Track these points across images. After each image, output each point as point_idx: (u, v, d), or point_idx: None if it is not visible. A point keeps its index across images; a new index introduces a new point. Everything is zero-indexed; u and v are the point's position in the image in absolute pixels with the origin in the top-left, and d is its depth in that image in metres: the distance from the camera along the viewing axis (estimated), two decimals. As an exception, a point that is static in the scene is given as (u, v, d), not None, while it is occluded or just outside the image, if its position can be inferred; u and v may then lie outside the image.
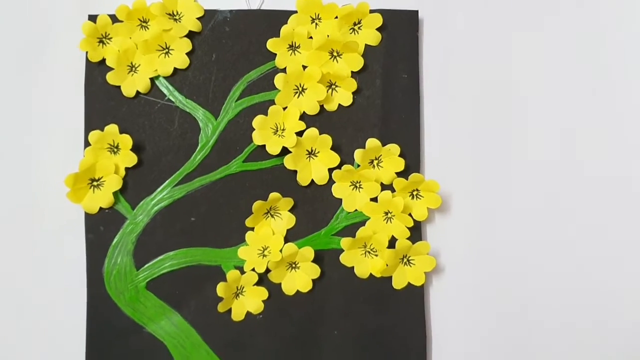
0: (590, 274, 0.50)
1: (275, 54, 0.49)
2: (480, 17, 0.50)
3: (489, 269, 0.49)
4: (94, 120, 0.48)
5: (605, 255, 0.50)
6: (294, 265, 0.48)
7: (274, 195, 0.47)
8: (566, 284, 0.49)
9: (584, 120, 0.50)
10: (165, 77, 0.49)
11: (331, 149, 0.48)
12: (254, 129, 0.48)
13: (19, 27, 0.50)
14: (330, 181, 0.48)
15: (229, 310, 0.47)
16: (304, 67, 0.48)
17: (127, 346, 0.47)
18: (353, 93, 0.49)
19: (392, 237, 0.48)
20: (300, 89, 0.48)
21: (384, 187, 0.48)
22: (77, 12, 0.49)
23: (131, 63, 0.48)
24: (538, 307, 0.49)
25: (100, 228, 0.47)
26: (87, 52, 0.48)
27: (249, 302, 0.47)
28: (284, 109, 0.48)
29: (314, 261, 0.48)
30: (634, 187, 0.50)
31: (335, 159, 0.48)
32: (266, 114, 0.48)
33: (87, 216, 0.47)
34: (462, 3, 0.51)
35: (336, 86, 0.49)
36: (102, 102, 0.48)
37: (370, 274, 0.48)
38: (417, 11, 0.49)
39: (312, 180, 0.48)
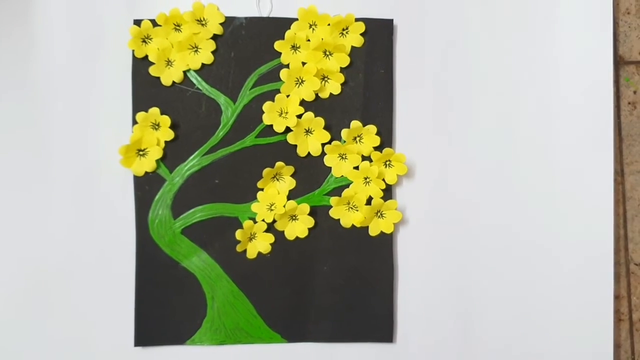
0: (536, 225, 0.58)
1: (281, 53, 0.57)
2: (442, 24, 0.59)
3: (443, 221, 0.59)
4: (139, 104, 0.57)
5: (552, 210, 0.59)
6: (294, 217, 0.57)
7: (279, 163, 0.57)
8: (507, 234, 0.59)
9: (528, 108, 0.59)
10: (194, 70, 0.57)
11: (324, 128, 0.57)
12: (264, 112, 0.56)
13: (80, 29, 0.57)
14: (323, 153, 0.57)
15: (245, 250, 0.57)
16: (304, 63, 0.57)
17: (167, 277, 0.57)
18: (341, 84, 0.57)
19: (370, 196, 0.57)
20: (300, 80, 0.57)
21: (364, 158, 0.57)
22: (125, 18, 0.57)
23: (168, 59, 0.57)
24: (486, 249, 0.58)
25: (145, 187, 0.57)
26: (133, 50, 0.56)
27: (259, 244, 0.57)
28: (287, 96, 0.57)
29: (309, 214, 0.57)
30: (583, 151, 0.58)
31: (326, 136, 0.57)
32: (273, 100, 0.56)
33: (135, 178, 0.57)
34: (428, 14, 0.59)
35: (328, 79, 0.57)
36: (146, 90, 0.57)
37: (352, 225, 0.58)
38: (392, 20, 0.58)
39: (309, 152, 0.57)
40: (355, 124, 0.57)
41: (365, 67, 0.58)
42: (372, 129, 0.58)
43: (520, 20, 0.60)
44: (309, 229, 0.58)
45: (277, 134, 0.57)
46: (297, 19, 0.57)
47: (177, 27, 0.57)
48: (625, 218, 0.62)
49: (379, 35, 0.58)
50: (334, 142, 0.58)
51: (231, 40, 0.58)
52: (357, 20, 0.58)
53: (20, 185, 0.58)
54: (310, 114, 0.57)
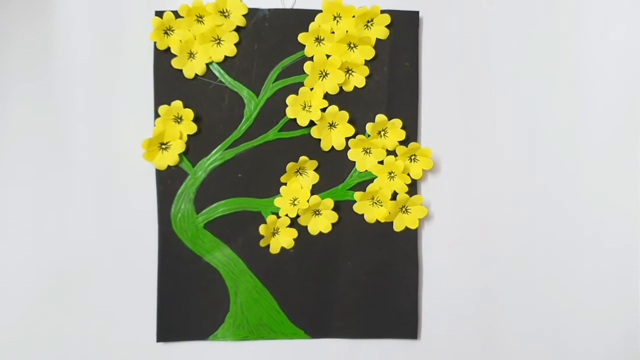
0: (562, 221, 0.58)
1: (305, 45, 0.57)
2: (468, 17, 0.58)
3: (469, 217, 0.58)
4: (162, 97, 0.56)
5: (579, 207, 0.58)
6: (317, 212, 0.57)
7: (302, 158, 0.56)
8: (534, 231, 0.58)
9: (555, 102, 0.58)
10: (217, 63, 0.57)
11: (348, 122, 0.57)
12: (287, 105, 0.56)
13: (102, 21, 0.57)
14: (347, 147, 0.57)
15: (268, 245, 0.57)
16: (328, 56, 0.56)
17: (189, 272, 0.57)
18: (366, 77, 0.57)
19: (394, 191, 0.57)
20: (324, 73, 0.57)
21: (388, 152, 0.57)
22: (146, 10, 0.56)
23: (190, 51, 0.56)
24: (512, 246, 0.58)
25: (168, 181, 0.57)
26: (155, 42, 0.56)
27: (283, 239, 0.58)
28: (311, 89, 0.57)
29: (333, 209, 0.57)
30: (611, 147, 0.58)
31: (350, 130, 0.57)
32: (297, 94, 0.56)
33: (158, 172, 0.57)
34: (454, 6, 0.58)
35: (352, 72, 0.57)
36: (168, 83, 0.56)
37: (377, 220, 0.57)
38: (417, 12, 0.57)
39: (332, 147, 0.57)
40: (380, 117, 0.57)
41: (390, 60, 0.58)
42: (397, 122, 0.57)
43: (548, 12, 0.59)
44: (333, 224, 0.58)
45: (301, 127, 0.57)
46: (321, 11, 0.57)
47: (200, 19, 0.57)
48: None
49: (405, 27, 0.58)
50: (358, 136, 0.57)
51: (254, 32, 0.57)
52: (382, 12, 0.57)
53: (43, 180, 0.58)
54: (334, 108, 0.57)
